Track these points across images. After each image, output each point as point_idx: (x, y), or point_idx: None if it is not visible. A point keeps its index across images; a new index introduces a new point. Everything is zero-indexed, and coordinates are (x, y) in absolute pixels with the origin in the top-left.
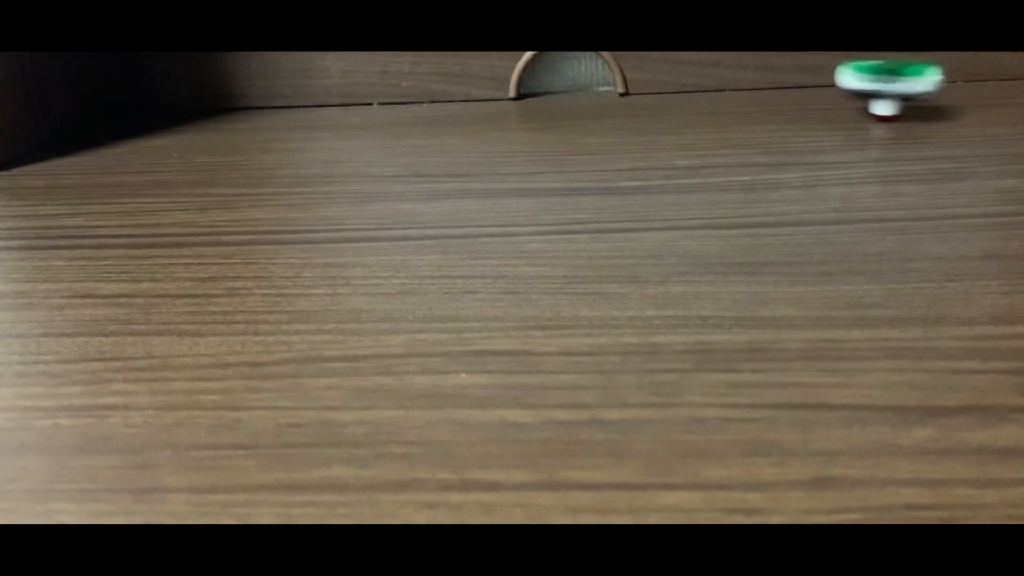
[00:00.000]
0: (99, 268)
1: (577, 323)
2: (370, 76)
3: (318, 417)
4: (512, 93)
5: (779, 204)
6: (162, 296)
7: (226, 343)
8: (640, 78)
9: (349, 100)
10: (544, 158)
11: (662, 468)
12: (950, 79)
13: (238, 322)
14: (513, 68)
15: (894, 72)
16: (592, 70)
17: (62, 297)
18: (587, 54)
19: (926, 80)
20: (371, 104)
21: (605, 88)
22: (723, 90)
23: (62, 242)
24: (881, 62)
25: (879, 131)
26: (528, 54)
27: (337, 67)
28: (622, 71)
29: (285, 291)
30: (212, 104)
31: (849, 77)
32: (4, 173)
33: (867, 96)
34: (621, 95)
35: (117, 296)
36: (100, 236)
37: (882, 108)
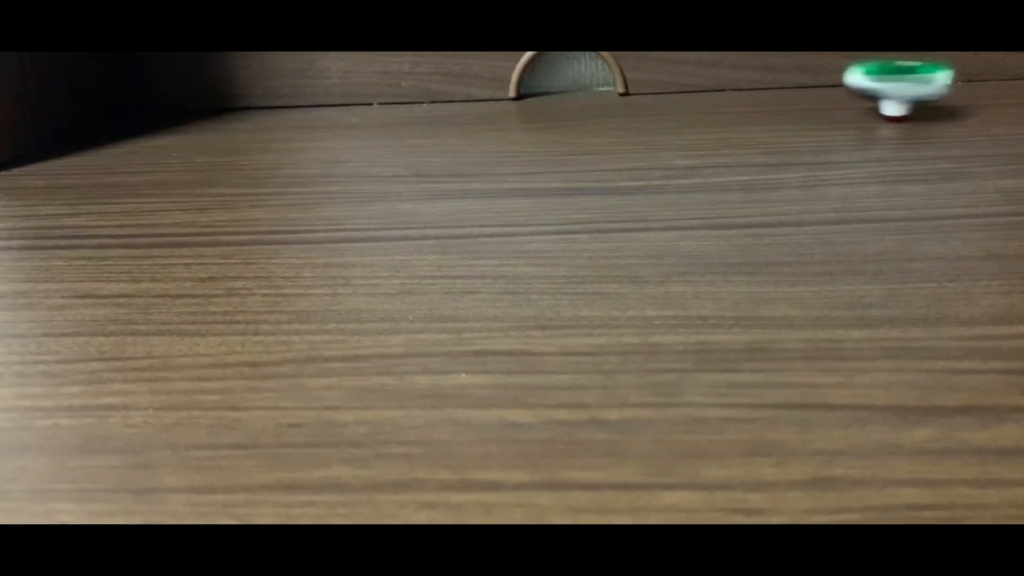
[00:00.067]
0: (99, 268)
1: (577, 323)
2: (370, 76)
3: (318, 417)
4: (512, 93)
5: (779, 204)
6: (162, 296)
7: (226, 343)
8: (640, 78)
9: (349, 100)
10: (544, 158)
11: (662, 468)
12: None
13: (238, 322)
14: (513, 68)
15: (905, 72)
16: (592, 70)
17: (62, 297)
18: (587, 54)
19: (938, 80)
20: (371, 104)
21: (605, 88)
22: (723, 90)
23: (62, 242)
24: (891, 62)
25: (879, 131)
26: (528, 54)
27: (337, 67)
28: (622, 71)
29: (285, 291)
30: (212, 104)
31: (859, 78)
32: (4, 173)
33: (877, 97)
34: (621, 95)
35: (117, 296)
36: (100, 236)
37: (892, 109)
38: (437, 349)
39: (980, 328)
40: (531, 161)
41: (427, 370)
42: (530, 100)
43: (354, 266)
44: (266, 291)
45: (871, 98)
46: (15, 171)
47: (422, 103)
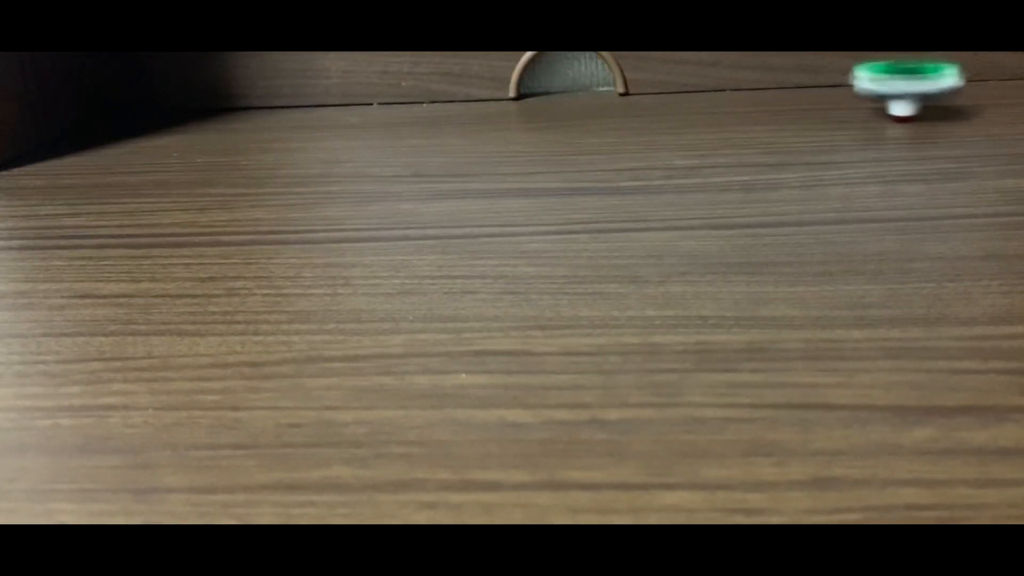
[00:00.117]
0: (99, 268)
1: (577, 323)
2: (370, 76)
3: (318, 417)
4: (512, 93)
5: (779, 204)
6: (162, 296)
7: (226, 343)
8: (640, 78)
9: (349, 100)
10: (544, 158)
11: (662, 468)
12: None
13: (238, 322)
14: (513, 68)
15: (913, 72)
16: (592, 70)
17: (62, 297)
18: (587, 54)
19: (947, 79)
20: (371, 104)
21: (605, 88)
22: (723, 90)
23: (62, 242)
24: (898, 62)
25: (878, 131)
26: (528, 54)
27: (337, 67)
28: (622, 71)
29: (285, 291)
30: (212, 104)
31: (867, 78)
32: (4, 173)
33: (884, 97)
34: (621, 95)
35: (117, 296)
36: (100, 236)
37: (901, 108)
38: (437, 349)
39: (980, 328)
40: (531, 161)
41: (427, 370)
42: (530, 100)
43: (354, 266)
44: (266, 291)
45: (878, 99)
46: (15, 171)
47: (422, 103)
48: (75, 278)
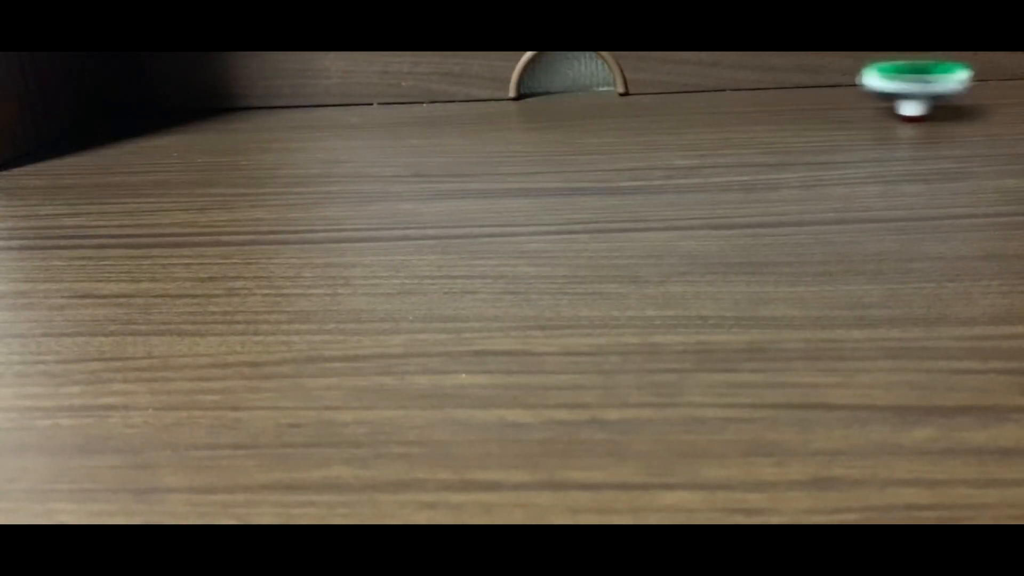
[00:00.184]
0: (99, 268)
1: (577, 323)
2: (370, 76)
3: (318, 417)
4: (512, 93)
5: (779, 204)
6: (162, 296)
7: (226, 343)
8: (640, 78)
9: (349, 100)
10: (544, 158)
11: (662, 468)
12: None
13: (238, 322)
14: (513, 68)
15: (922, 72)
16: (592, 70)
17: (62, 297)
18: (587, 54)
19: (957, 79)
20: (371, 104)
21: (605, 88)
22: (723, 90)
23: (62, 242)
24: (907, 62)
25: (878, 131)
26: (528, 54)
27: (337, 67)
28: (622, 71)
29: (285, 291)
30: (212, 104)
31: (876, 78)
32: (4, 173)
33: (894, 97)
34: (621, 95)
35: (117, 296)
36: (100, 236)
37: (910, 108)
38: (437, 349)
39: (980, 328)
40: (531, 161)
41: (427, 370)
42: (530, 100)
43: (354, 266)
44: (266, 291)
45: (887, 98)
46: (15, 171)
47: (422, 103)
48: (75, 278)
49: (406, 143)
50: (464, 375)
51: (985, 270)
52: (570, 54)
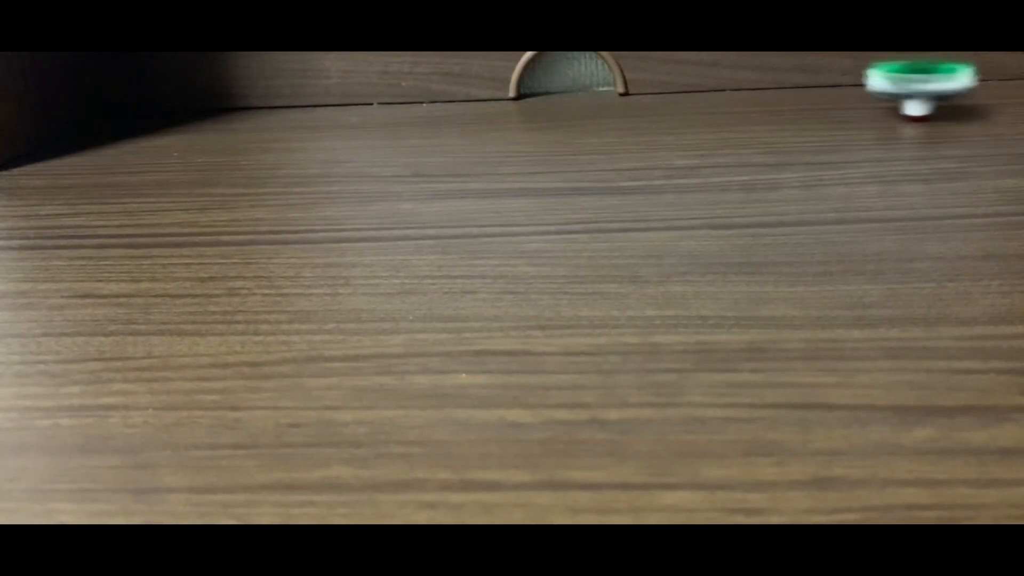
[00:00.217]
0: (99, 268)
1: (577, 323)
2: (370, 76)
3: (318, 417)
4: (512, 93)
5: (779, 204)
6: (162, 296)
7: (226, 343)
8: (640, 78)
9: (349, 100)
10: (544, 158)
11: (662, 468)
12: None
13: (238, 322)
14: (513, 68)
15: (927, 72)
16: (592, 70)
17: (62, 297)
18: (587, 54)
19: (962, 78)
20: (371, 104)
21: (605, 88)
22: (723, 90)
23: (62, 242)
24: (913, 62)
25: (878, 131)
26: (528, 54)
27: (337, 67)
28: (622, 71)
29: (285, 291)
30: (212, 104)
31: (881, 78)
32: (4, 173)
33: (899, 97)
34: (621, 95)
35: (117, 296)
36: (100, 236)
37: (915, 108)
38: (437, 349)
39: (980, 328)
40: (531, 161)
41: (427, 370)
42: (530, 100)
43: (354, 266)
44: (266, 291)
45: (892, 98)
46: (15, 171)
47: (422, 103)
48: (75, 278)
49: (406, 143)
50: (464, 375)
51: (985, 270)
52: (570, 54)
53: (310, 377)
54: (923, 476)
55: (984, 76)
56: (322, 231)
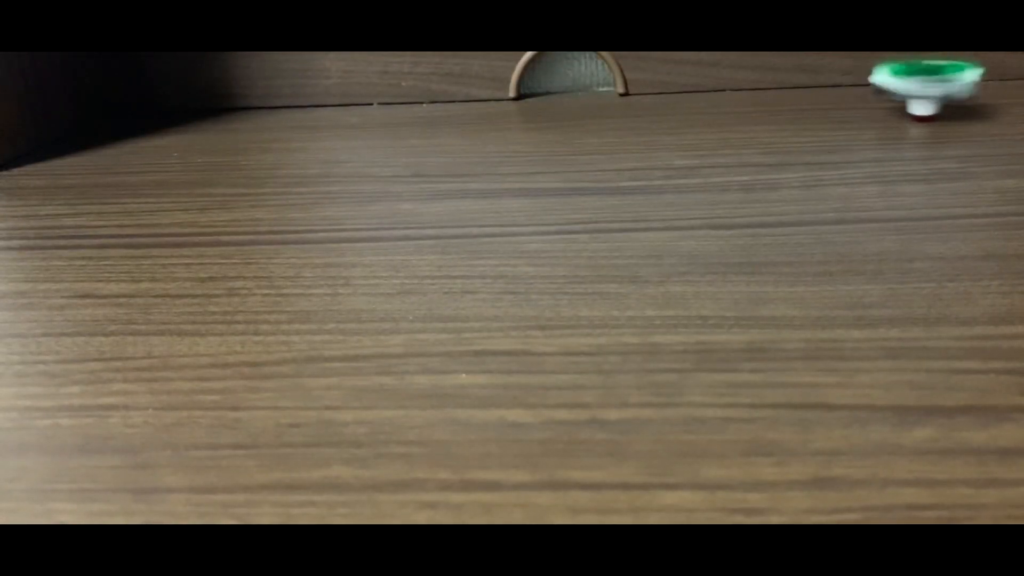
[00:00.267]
0: (99, 268)
1: (577, 323)
2: (370, 76)
3: (318, 417)
4: (512, 93)
5: (779, 204)
6: (162, 296)
7: (226, 343)
8: (640, 78)
9: (349, 100)
10: (544, 158)
11: (662, 468)
12: None
13: (238, 322)
14: (513, 68)
15: (934, 72)
16: (592, 70)
17: (62, 297)
18: (587, 54)
19: (969, 78)
20: (371, 104)
21: (605, 88)
22: (723, 90)
23: (62, 242)
24: (919, 62)
25: (878, 131)
26: (528, 54)
27: (337, 67)
28: (622, 71)
29: (285, 291)
30: (212, 104)
31: (889, 77)
32: (4, 173)
33: (904, 96)
34: (621, 95)
35: (117, 296)
36: (100, 236)
37: (921, 108)
38: (437, 349)
39: (980, 328)
40: (531, 161)
41: (427, 370)
42: (530, 100)
43: (354, 266)
44: (266, 291)
45: (897, 98)
46: (15, 171)
47: (422, 103)
48: (75, 278)
49: (406, 143)
50: (464, 375)
51: (985, 270)
52: (570, 54)
53: (310, 377)
54: (923, 476)
55: (985, 76)
56: (322, 231)
